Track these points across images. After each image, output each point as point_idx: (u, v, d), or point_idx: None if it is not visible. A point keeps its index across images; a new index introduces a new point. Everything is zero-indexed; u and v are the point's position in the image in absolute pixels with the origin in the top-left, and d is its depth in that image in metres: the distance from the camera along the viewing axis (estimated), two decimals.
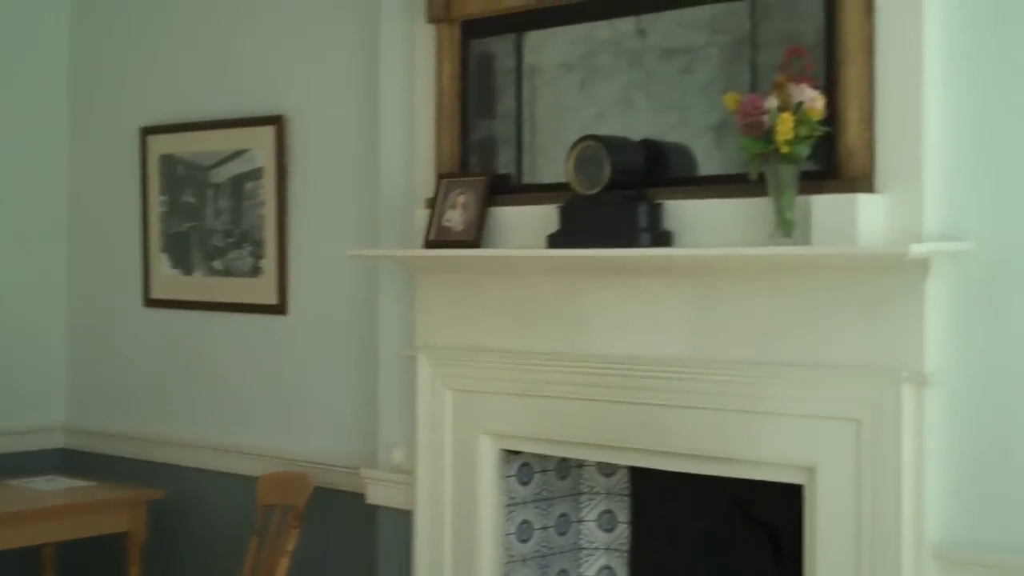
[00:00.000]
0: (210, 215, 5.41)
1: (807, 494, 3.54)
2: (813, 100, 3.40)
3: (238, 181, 5.28)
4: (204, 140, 5.41)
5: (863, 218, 3.39)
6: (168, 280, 5.58)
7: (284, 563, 4.60)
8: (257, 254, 5.20)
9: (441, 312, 4.31)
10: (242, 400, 5.26)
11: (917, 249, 3.27)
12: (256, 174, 5.19)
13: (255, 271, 5.21)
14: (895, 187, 3.40)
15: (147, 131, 5.58)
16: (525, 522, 4.26)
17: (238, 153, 5.26)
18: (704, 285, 3.72)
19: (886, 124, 3.41)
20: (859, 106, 3.43)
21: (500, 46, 4.28)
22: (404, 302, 4.46)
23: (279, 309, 5.10)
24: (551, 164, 4.13)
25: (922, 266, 3.32)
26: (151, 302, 5.62)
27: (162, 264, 5.59)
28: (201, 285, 5.45)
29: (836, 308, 3.48)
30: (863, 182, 3.42)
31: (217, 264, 5.38)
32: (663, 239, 3.77)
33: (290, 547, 4.62)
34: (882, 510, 3.38)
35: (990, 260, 3.29)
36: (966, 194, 3.33)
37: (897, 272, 3.36)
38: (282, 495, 4.79)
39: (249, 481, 4.99)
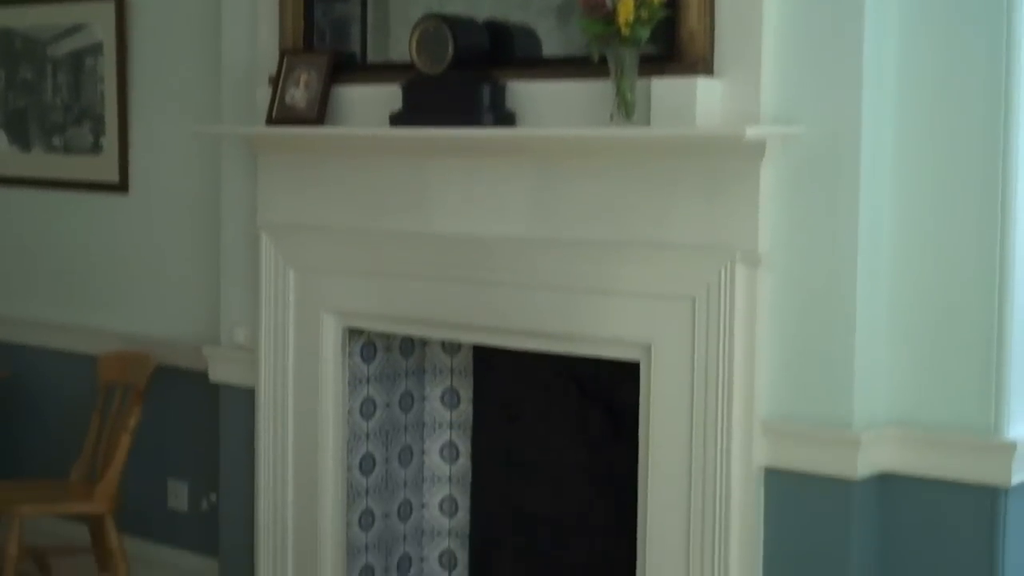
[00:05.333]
0: (49, 91, 5.26)
1: (643, 371, 3.63)
2: None
3: (78, 56, 5.14)
4: (41, 13, 5.24)
5: (702, 101, 3.43)
6: (6, 157, 5.43)
7: (126, 440, 4.59)
8: (97, 131, 5.08)
9: (284, 191, 4.28)
10: (83, 279, 5.19)
11: (752, 131, 3.34)
12: (96, 49, 5.06)
13: (96, 148, 5.10)
14: (733, 71, 3.45)
15: None
16: (368, 399, 4.29)
17: (76, 28, 5.12)
18: (546, 166, 3.75)
19: (725, 8, 3.44)
20: None
21: None
22: (247, 181, 4.41)
23: (120, 187, 5.02)
24: (397, 43, 4.10)
25: (757, 148, 3.39)
26: None
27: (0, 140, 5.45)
28: (40, 162, 5.33)
29: (674, 189, 3.54)
30: (702, 65, 3.46)
31: (56, 141, 5.25)
32: (506, 119, 3.78)
33: (132, 424, 4.60)
34: (714, 386, 3.48)
35: (821, 144, 3.36)
36: (800, 79, 3.39)
37: (733, 154, 3.43)
38: (123, 374, 4.75)
39: (90, 360, 4.94)
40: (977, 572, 3.31)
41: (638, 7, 3.41)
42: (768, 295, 3.45)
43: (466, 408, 4.43)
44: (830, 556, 3.38)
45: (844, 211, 3.34)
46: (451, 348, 4.42)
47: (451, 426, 4.45)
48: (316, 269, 4.23)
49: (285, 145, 4.25)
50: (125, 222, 5.04)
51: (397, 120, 3.93)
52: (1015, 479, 3.27)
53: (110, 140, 5.03)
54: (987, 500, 3.29)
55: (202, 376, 4.62)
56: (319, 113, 4.11)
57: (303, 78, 4.15)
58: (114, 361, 4.83)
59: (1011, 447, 3.25)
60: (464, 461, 4.44)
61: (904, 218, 3.39)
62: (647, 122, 3.51)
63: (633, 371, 3.66)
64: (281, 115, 4.18)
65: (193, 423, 4.84)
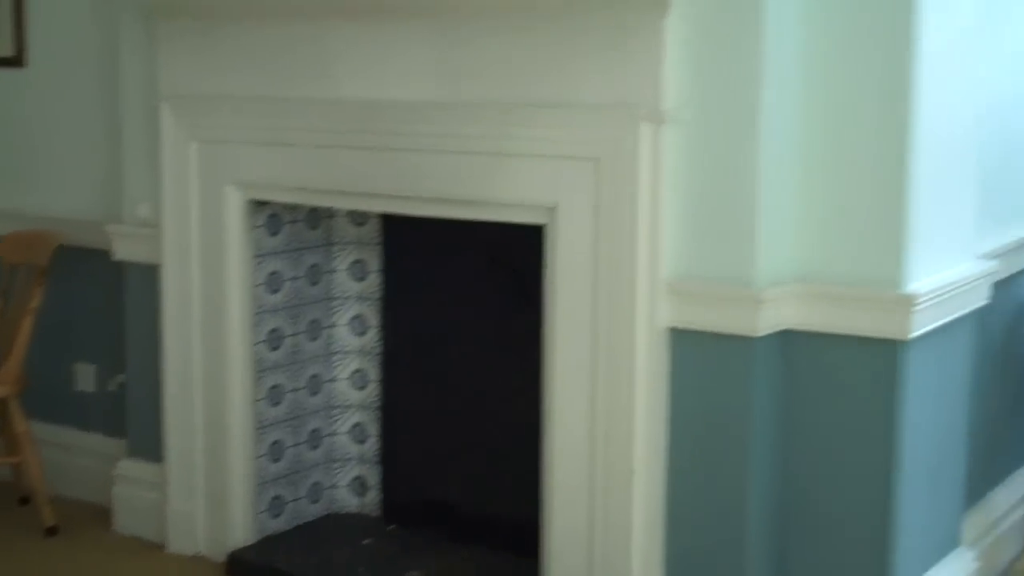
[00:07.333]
0: None
1: (548, 233, 3.59)
2: None
3: None
4: None
5: None
6: None
7: (28, 321, 4.49)
8: None
9: (185, 60, 4.18)
10: None
11: None
12: None
13: None
14: None
15: None
16: (275, 273, 4.23)
17: None
18: (449, 26, 3.68)
19: None
20: None
21: None
22: (147, 51, 4.29)
23: (16, 61, 4.87)
24: None
25: (661, 2, 3.32)
26: None
27: None
28: None
29: (578, 47, 3.48)
30: None
31: None
32: None
33: (34, 305, 4.50)
34: (619, 246, 3.45)
35: None
36: None
37: (637, 9, 3.37)
38: (26, 254, 4.65)
39: None
40: (877, 425, 3.34)
41: None
42: (673, 154, 3.41)
43: (374, 280, 4.39)
44: (733, 412, 3.39)
45: (748, 66, 3.30)
46: (358, 219, 4.36)
47: (359, 298, 4.41)
48: (218, 140, 4.14)
49: (183, 11, 4.14)
50: (22, 97, 4.90)
51: None
52: (914, 332, 3.29)
53: (4, 12, 4.87)
54: (887, 353, 3.31)
55: (106, 254, 4.53)
56: None
57: None
58: (15, 241, 4.73)
59: (910, 299, 3.27)
60: (373, 333, 4.41)
61: (810, 73, 3.36)
62: None
63: (541, 235, 3.63)
64: None
65: (98, 303, 4.76)
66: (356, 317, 4.43)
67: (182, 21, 4.15)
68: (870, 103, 3.32)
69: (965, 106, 3.62)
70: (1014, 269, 4.23)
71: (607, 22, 3.42)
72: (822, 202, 3.39)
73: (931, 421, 3.50)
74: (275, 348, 4.26)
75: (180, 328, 4.28)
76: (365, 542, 4.28)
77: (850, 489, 3.39)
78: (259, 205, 4.17)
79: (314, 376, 4.39)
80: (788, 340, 3.40)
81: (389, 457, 4.42)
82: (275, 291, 4.24)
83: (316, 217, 4.33)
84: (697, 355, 3.43)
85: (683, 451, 3.47)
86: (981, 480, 4.12)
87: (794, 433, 3.44)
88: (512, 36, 3.57)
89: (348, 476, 4.49)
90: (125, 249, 4.47)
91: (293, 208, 4.24)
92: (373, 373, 4.43)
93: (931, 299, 3.35)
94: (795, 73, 3.36)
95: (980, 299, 3.72)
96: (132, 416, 4.57)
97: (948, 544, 3.74)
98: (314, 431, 4.41)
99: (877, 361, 3.31)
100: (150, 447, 4.47)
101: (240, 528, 4.25)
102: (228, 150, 4.12)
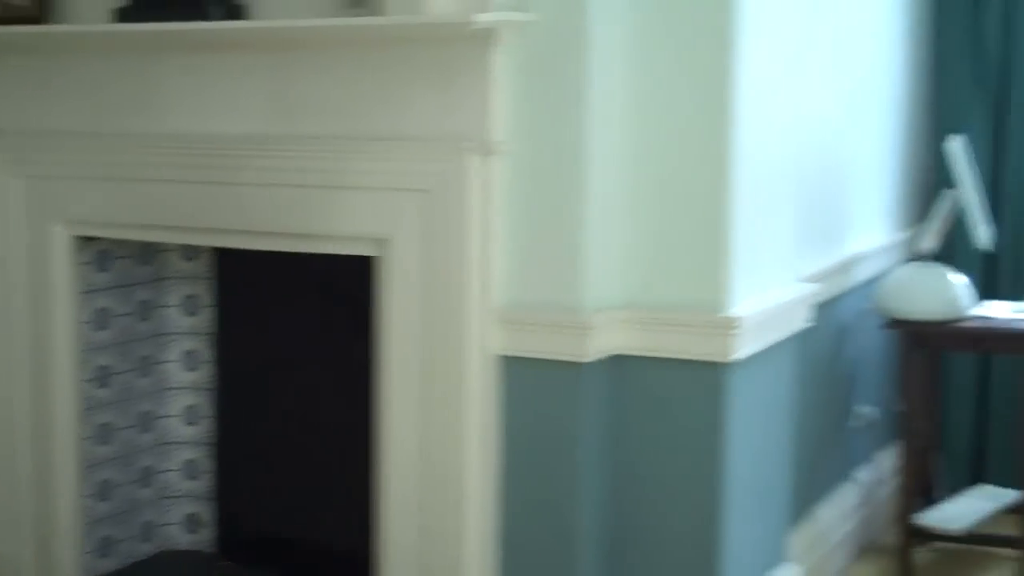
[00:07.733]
0: None
1: (380, 265, 3.61)
2: None
3: None
4: None
5: None
6: None
7: None
8: None
9: (10, 96, 4.10)
10: None
11: (482, 19, 3.33)
12: None
13: None
14: None
15: None
16: (103, 309, 4.17)
17: None
18: (280, 60, 3.68)
19: None
20: None
21: None
22: None
23: None
24: None
25: (488, 36, 3.38)
26: None
27: None
28: None
29: (408, 81, 3.51)
30: None
31: None
32: (235, 12, 3.70)
33: None
34: (449, 276, 3.48)
35: (552, 31, 3.38)
36: None
37: (465, 43, 3.41)
38: None
39: None
40: (702, 445, 3.42)
41: None
42: (503, 185, 3.46)
43: (207, 315, 4.35)
44: (563, 437, 3.44)
45: (573, 98, 3.37)
46: (189, 254, 4.33)
47: (191, 334, 4.37)
48: (44, 176, 4.06)
49: (7, 45, 4.05)
50: None
51: (125, 16, 3.80)
52: (735, 354, 3.39)
53: None
54: (710, 376, 3.40)
55: None
56: (41, 10, 3.95)
57: None
58: None
59: (730, 323, 3.37)
60: (206, 369, 4.37)
61: (634, 104, 3.43)
62: (380, 12, 3.48)
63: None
64: (1, 14, 4.00)
65: None
66: (188, 352, 4.39)
67: (5, 55, 4.08)
68: (692, 133, 3.42)
69: (785, 133, 3.75)
70: (836, 291, 4.38)
71: (436, 55, 3.46)
72: (647, 229, 3.48)
73: (756, 440, 3.61)
74: (104, 385, 4.20)
75: (3, 367, 4.17)
76: None
77: (678, 509, 3.47)
78: (87, 241, 4.10)
79: (145, 413, 4.33)
80: (617, 365, 3.47)
81: (223, 493, 4.38)
82: (103, 328, 4.18)
83: (147, 252, 4.28)
84: (528, 382, 3.47)
85: (515, 477, 3.51)
86: (807, 496, 4.26)
87: (624, 456, 3.51)
88: (342, 69, 3.59)
89: (180, 513, 4.43)
90: None
91: (123, 244, 4.18)
92: (206, 409, 4.39)
93: (752, 322, 3.45)
94: (620, 104, 3.44)
95: (803, 321, 3.84)
96: None
97: (775, 559, 3.85)
98: (145, 468, 4.35)
99: (701, 383, 3.41)
100: None
101: (68, 570, 4.16)
102: (55, 186, 4.05)
